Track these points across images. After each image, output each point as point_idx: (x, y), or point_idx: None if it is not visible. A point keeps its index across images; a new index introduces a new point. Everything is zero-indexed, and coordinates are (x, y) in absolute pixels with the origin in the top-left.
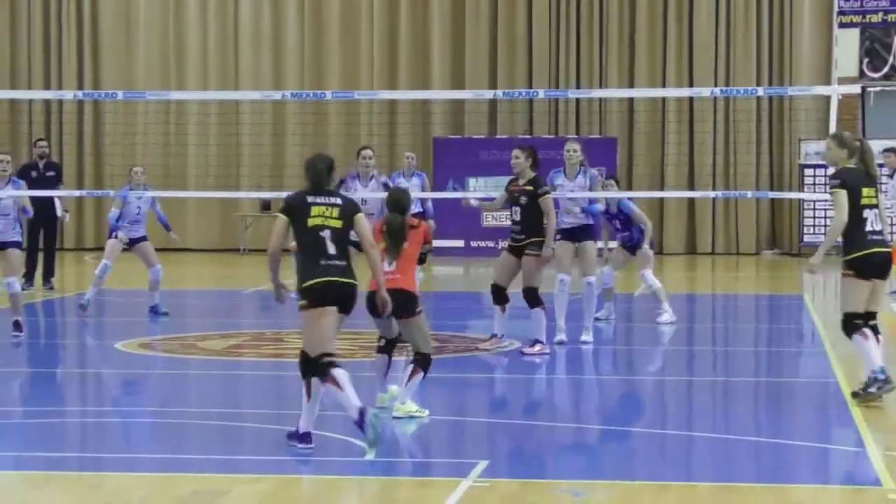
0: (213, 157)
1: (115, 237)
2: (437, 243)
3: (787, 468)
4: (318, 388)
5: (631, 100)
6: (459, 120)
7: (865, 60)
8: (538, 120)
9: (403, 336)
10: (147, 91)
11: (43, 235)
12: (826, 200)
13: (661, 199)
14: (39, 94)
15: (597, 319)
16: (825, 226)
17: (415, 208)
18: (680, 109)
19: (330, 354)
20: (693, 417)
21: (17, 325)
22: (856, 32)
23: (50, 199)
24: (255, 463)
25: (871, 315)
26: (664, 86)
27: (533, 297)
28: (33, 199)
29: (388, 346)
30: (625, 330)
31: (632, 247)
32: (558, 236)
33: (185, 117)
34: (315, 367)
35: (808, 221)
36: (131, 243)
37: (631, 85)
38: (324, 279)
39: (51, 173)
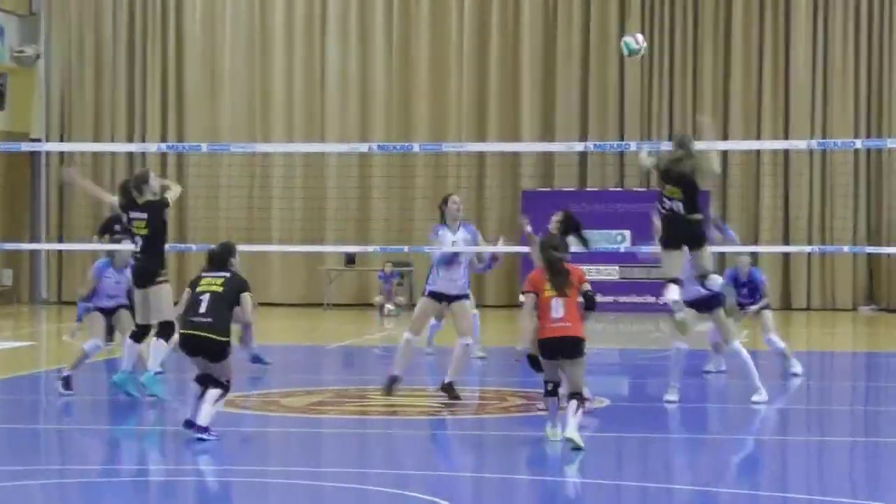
0: (298, 211)
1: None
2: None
3: None
4: None
5: (725, 152)
6: (549, 172)
7: None
8: (629, 172)
9: (568, 376)
10: (232, 143)
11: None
12: None
13: (756, 254)
14: (123, 147)
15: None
16: None
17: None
18: (775, 162)
19: None
20: (787, 478)
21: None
22: None
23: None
24: None
25: None
26: (759, 138)
27: None
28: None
29: (554, 390)
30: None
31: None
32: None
33: (269, 169)
34: None
35: None
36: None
37: (725, 137)
38: None
39: None
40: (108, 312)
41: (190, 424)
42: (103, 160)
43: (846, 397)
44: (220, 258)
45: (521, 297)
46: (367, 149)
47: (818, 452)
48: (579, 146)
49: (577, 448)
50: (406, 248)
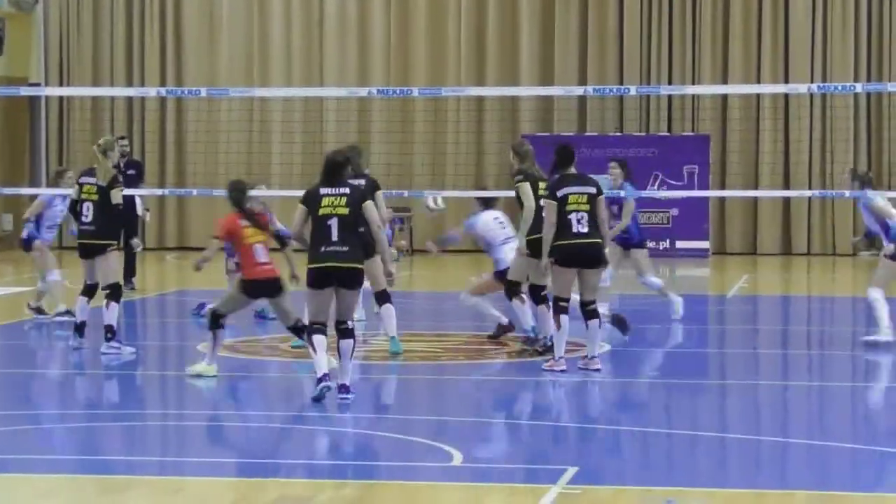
0: (298, 155)
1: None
2: None
3: (887, 476)
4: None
5: (725, 96)
6: (548, 117)
7: None
8: (629, 117)
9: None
10: (231, 88)
11: (124, 235)
12: None
13: (756, 199)
14: (122, 91)
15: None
16: None
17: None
18: (775, 106)
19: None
20: (788, 423)
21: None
22: None
23: (131, 198)
24: (338, 468)
25: None
26: (759, 82)
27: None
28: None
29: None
30: (700, 333)
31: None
32: None
33: (268, 114)
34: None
35: None
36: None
37: (725, 81)
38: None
39: (132, 172)
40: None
41: (343, 388)
42: (103, 104)
43: (846, 342)
44: (335, 169)
45: None
46: (366, 93)
47: (819, 397)
48: (578, 90)
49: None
50: (406, 193)
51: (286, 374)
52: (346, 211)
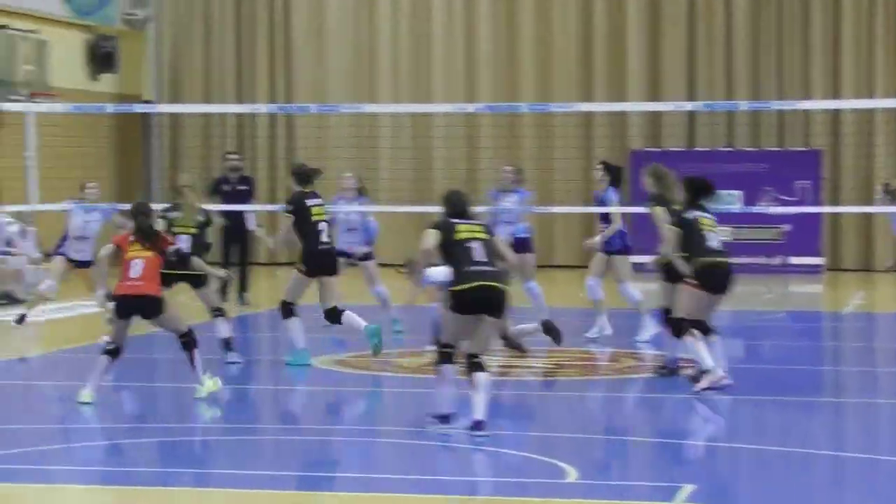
0: (406, 171)
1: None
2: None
3: None
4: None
5: (837, 110)
6: (657, 132)
7: None
8: (739, 132)
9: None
10: (340, 104)
11: (237, 250)
12: None
13: (870, 215)
14: (233, 108)
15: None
16: None
17: (515, 230)
18: (889, 120)
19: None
20: None
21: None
22: None
23: (242, 214)
24: (452, 484)
25: None
26: (872, 96)
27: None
28: (226, 214)
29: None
30: (814, 350)
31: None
32: None
33: (377, 130)
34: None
35: None
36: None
37: (836, 94)
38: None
39: (244, 187)
40: (80, 265)
41: (478, 425)
42: (213, 121)
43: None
44: (464, 204)
45: None
46: (473, 109)
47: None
48: (688, 106)
49: None
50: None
51: (397, 389)
52: (485, 236)
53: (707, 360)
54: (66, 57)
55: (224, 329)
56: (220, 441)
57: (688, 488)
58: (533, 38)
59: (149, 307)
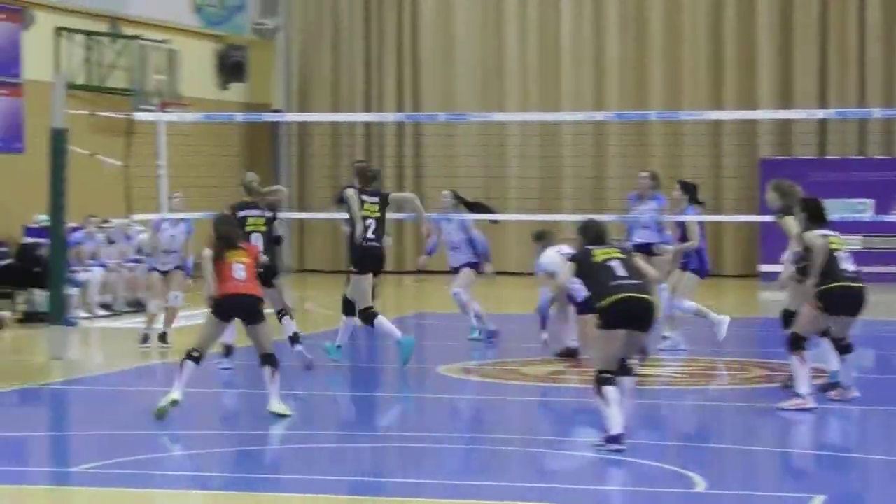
0: (534, 179)
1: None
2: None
3: None
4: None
5: None
6: (787, 140)
7: None
8: (871, 140)
9: None
10: (468, 112)
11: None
12: None
13: None
14: (361, 117)
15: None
16: None
17: (653, 236)
18: None
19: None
20: None
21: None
22: None
23: None
24: (580, 493)
25: None
26: None
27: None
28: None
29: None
30: None
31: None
32: None
33: (505, 138)
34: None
35: None
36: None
37: None
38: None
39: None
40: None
41: (617, 439)
42: (341, 130)
43: None
44: (600, 233)
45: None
46: (603, 117)
47: None
48: (820, 113)
49: None
50: (677, 218)
51: (525, 398)
52: (623, 255)
53: (804, 386)
54: (196, 67)
55: (290, 326)
56: (359, 448)
57: (818, 500)
58: (662, 46)
59: (253, 310)
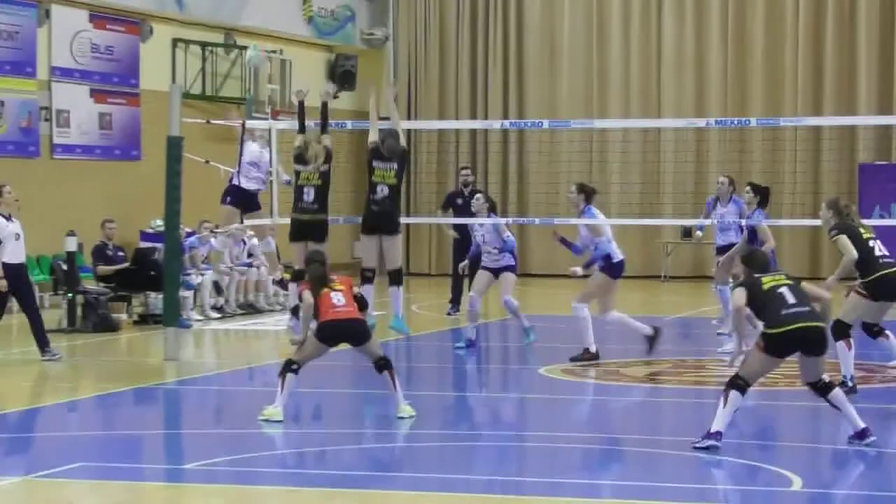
0: (636, 185)
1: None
2: None
3: None
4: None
5: None
6: (886, 145)
7: None
8: None
9: None
10: (571, 119)
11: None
12: None
13: None
14: (468, 124)
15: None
16: None
17: (737, 237)
18: None
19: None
20: None
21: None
22: None
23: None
24: (676, 491)
25: None
26: None
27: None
28: (457, 227)
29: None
30: None
31: None
32: None
33: (607, 145)
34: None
35: None
36: None
37: None
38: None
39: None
40: None
41: (864, 434)
42: (447, 137)
43: None
44: (765, 262)
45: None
46: (703, 124)
47: None
48: None
49: None
50: (743, 222)
51: (625, 399)
52: (790, 282)
53: (850, 368)
54: (307, 76)
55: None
56: (477, 447)
57: None
58: (763, 53)
59: (359, 333)
